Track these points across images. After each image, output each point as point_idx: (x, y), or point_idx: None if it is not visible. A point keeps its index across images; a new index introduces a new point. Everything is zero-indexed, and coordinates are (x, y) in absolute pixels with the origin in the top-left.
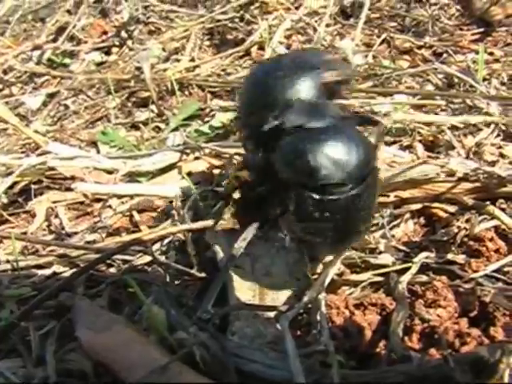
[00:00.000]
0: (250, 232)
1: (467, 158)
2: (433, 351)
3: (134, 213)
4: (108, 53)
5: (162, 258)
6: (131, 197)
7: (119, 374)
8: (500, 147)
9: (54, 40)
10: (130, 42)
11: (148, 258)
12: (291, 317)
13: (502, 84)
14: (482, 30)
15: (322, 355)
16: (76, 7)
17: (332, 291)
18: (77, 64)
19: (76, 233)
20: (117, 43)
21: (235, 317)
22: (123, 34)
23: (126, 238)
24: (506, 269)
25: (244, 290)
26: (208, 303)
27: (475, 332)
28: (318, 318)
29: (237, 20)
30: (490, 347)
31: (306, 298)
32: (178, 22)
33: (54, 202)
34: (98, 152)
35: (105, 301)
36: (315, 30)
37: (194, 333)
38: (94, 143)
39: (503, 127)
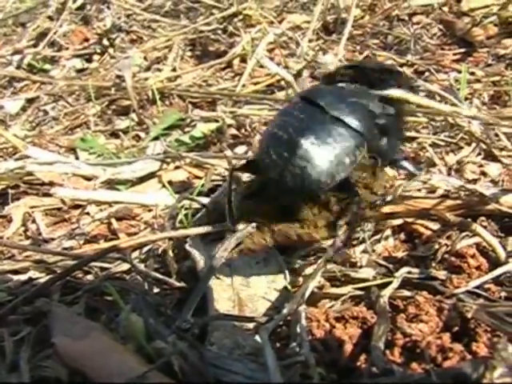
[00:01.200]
0: (231, 242)
1: (449, 175)
2: (415, 365)
3: (113, 220)
4: (89, 60)
5: (141, 266)
6: (110, 204)
7: (96, 382)
8: (481, 166)
9: (35, 45)
10: (111, 50)
11: (126, 266)
12: (271, 328)
13: (483, 104)
14: (463, 50)
15: (303, 367)
16: (58, 13)
17: (312, 304)
18: (57, 70)
19: (53, 239)
20: (98, 51)
21: (214, 327)
22: (105, 41)
23: (103, 245)
24: (487, 285)
25: (223, 301)
26: (187, 313)
27: (458, 347)
28: (298, 330)
29: (219, 32)
30: (472, 362)
31: (285, 310)
32: (161, 32)
33: (32, 208)
34: (77, 159)
35: (81, 308)
36: (298, 44)
37: (172, 342)
38: (72, 150)
39: (484, 146)
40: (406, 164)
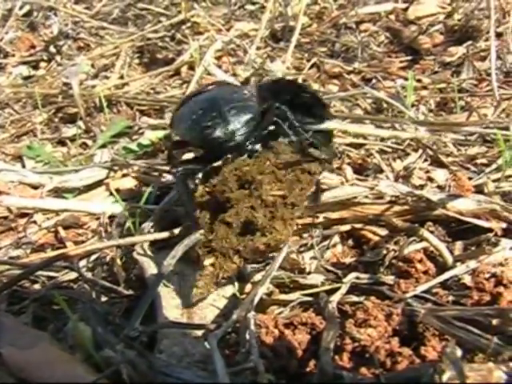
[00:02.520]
0: (179, 250)
1: (396, 181)
2: (364, 370)
3: (60, 229)
4: (36, 67)
5: (89, 275)
6: (57, 213)
7: None
8: (428, 172)
9: None
10: (58, 57)
11: (74, 275)
12: (220, 335)
13: (430, 111)
14: (410, 57)
15: (252, 374)
16: (4, 20)
17: (261, 311)
18: (3, 77)
19: None
20: (45, 58)
21: (163, 335)
22: (52, 48)
23: (51, 253)
24: (435, 290)
25: (172, 308)
26: (136, 321)
27: (406, 351)
28: (247, 337)
29: (167, 39)
30: (421, 366)
31: (234, 317)
32: (108, 39)
33: None
34: (24, 167)
35: (29, 317)
36: (246, 52)
37: (121, 350)
38: (19, 158)
39: (431, 152)
40: None
